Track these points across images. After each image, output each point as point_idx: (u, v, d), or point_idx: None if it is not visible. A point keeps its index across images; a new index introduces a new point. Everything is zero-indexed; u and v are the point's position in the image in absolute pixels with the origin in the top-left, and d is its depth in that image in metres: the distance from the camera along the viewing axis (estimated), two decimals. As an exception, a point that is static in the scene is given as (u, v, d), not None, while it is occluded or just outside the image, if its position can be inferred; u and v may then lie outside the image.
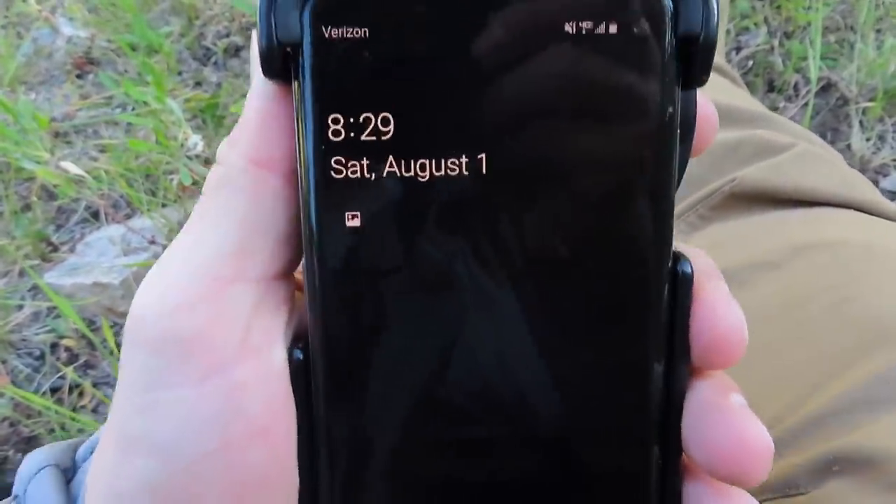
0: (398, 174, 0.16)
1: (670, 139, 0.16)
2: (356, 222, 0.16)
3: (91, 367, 0.76)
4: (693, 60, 0.16)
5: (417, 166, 0.16)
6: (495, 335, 0.17)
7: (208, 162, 0.84)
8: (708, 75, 0.16)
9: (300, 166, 0.16)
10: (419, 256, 0.16)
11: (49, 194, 0.90)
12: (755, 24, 1.00)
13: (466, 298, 0.17)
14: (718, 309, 0.17)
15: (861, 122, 0.89)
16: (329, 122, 0.16)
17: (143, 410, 0.16)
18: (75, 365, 0.75)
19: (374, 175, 0.16)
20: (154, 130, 0.78)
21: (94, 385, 0.74)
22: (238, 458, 0.16)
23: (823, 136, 0.90)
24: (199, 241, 0.17)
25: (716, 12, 0.16)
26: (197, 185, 0.83)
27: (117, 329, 0.77)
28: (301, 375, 0.17)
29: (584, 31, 0.16)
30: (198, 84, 1.01)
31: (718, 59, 0.55)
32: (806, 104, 0.90)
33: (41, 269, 0.82)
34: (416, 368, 0.17)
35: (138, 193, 0.84)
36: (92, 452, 0.20)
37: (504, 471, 0.18)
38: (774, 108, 0.92)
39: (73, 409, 0.72)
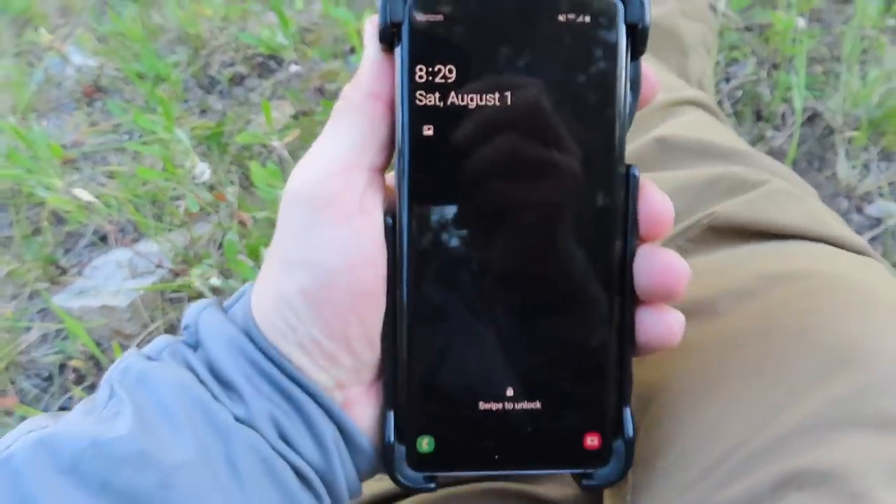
0: (457, 103, 0.26)
1: (623, 88, 0.27)
2: (430, 132, 0.26)
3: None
4: (636, 40, 0.27)
5: (468, 98, 0.26)
6: (514, 199, 0.27)
7: (213, 189, 0.86)
8: (645, 49, 0.27)
9: (398, 98, 0.26)
10: (470, 158, 0.27)
11: (59, 219, 0.92)
12: (744, 56, 1.03)
13: (498, 178, 0.27)
14: (656, 197, 0.27)
15: (846, 151, 0.92)
16: (416, 70, 0.26)
17: (300, 242, 0.27)
18: (83, 386, 0.77)
19: (442, 103, 0.26)
20: (162, 158, 0.81)
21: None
22: (357, 275, 0.27)
23: (810, 165, 0.93)
24: (333, 141, 0.28)
25: (648, 8, 0.26)
26: (203, 211, 0.86)
27: (123, 351, 0.79)
28: (390, 233, 0.27)
29: (570, 20, 0.26)
30: (203, 112, 1.04)
31: (704, 96, 0.57)
32: (792, 134, 0.93)
33: (50, 291, 0.85)
34: (466, 236, 0.27)
35: (145, 218, 0.86)
36: (236, 302, 0.29)
37: (519, 302, 0.28)
38: (762, 137, 0.95)
39: (80, 429, 0.74)
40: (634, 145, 0.49)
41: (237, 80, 1.09)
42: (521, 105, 0.26)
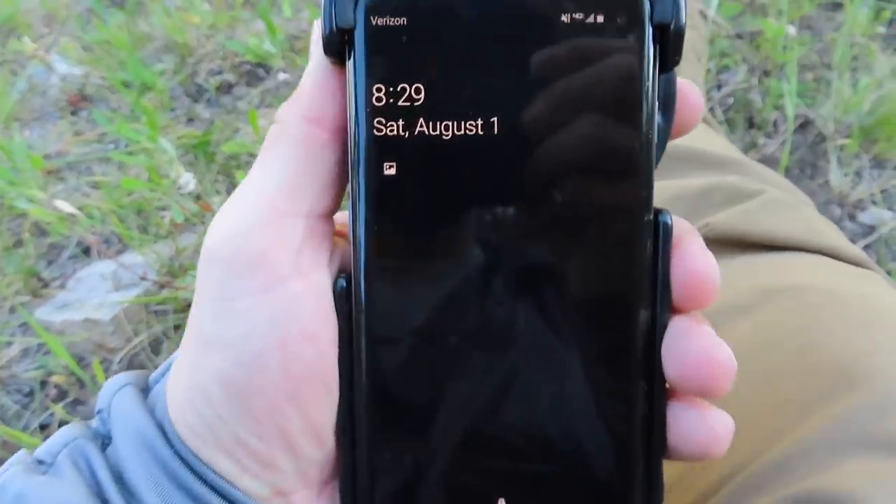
0: (427, 133, 0.20)
1: (649, 109, 0.20)
2: (392, 171, 0.20)
3: (80, 404, 0.76)
4: (667, 46, 0.20)
5: (442, 127, 0.20)
6: (503, 256, 0.21)
7: (199, 198, 0.85)
8: (680, 58, 0.20)
9: (350, 126, 0.20)
10: (445, 201, 0.20)
11: (41, 230, 0.91)
12: (735, 63, 1.03)
13: (482, 231, 0.20)
14: (696, 254, 0.20)
15: (839, 159, 0.92)
16: (373, 90, 0.20)
17: (218, 316, 0.20)
18: (63, 402, 0.75)
19: (407, 133, 0.20)
20: (147, 168, 0.80)
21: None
22: (294, 356, 0.20)
23: (802, 172, 0.93)
24: (261, 180, 0.21)
25: (684, 7, 0.20)
26: (188, 221, 0.84)
27: (107, 366, 0.77)
28: (343, 300, 0.21)
29: (578, 21, 0.20)
30: (190, 121, 1.03)
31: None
32: (784, 141, 0.92)
33: (31, 305, 0.83)
34: (443, 303, 0.21)
35: (130, 230, 0.85)
36: (163, 375, 0.24)
37: (514, 394, 0.21)
38: (754, 145, 0.94)
39: (62, 447, 0.72)
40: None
41: (225, 88, 1.07)
42: (511, 135, 0.20)
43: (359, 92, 0.20)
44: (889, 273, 0.83)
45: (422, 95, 0.20)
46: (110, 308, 0.79)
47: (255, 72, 1.08)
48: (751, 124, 0.97)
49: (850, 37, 1.02)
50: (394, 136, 0.20)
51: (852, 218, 0.88)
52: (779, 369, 0.31)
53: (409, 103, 0.20)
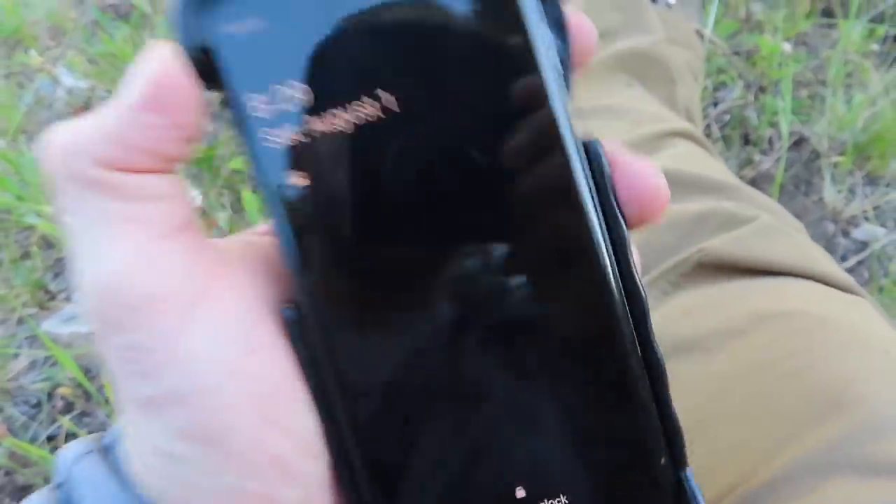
0: (326, 129, 0.18)
1: (540, 38, 0.18)
2: (304, 179, 0.18)
3: (87, 415, 0.77)
4: None
5: (342, 119, 0.18)
6: (445, 232, 0.19)
7: (205, 213, 0.86)
8: None
9: (243, 150, 0.19)
10: (361, 193, 0.18)
11: (48, 244, 0.92)
12: (731, 80, 1.04)
13: (417, 210, 0.19)
14: (635, 166, 0.19)
15: (832, 175, 0.93)
16: (250, 101, 0.18)
17: (147, 373, 0.18)
18: (70, 415, 0.76)
19: (306, 136, 0.18)
20: (153, 183, 0.81)
21: (90, 434, 0.75)
22: (252, 376, 0.18)
23: (797, 188, 0.94)
24: (101, 227, 0.18)
25: None
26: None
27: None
28: (295, 328, 0.19)
29: None
30: (195, 134, 1.04)
31: (693, 128, 0.58)
32: (779, 158, 0.94)
33: (39, 317, 0.84)
34: (405, 302, 0.19)
35: (136, 243, 0.86)
36: (119, 441, 0.21)
37: (500, 382, 0.19)
38: (750, 161, 0.96)
39: (68, 458, 0.73)
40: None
41: (228, 102, 1.09)
42: (412, 106, 0.18)
43: (239, 108, 0.18)
44: (881, 289, 0.85)
45: (308, 94, 0.18)
46: (117, 321, 0.80)
47: (259, 86, 1.10)
48: (746, 141, 0.99)
49: (845, 54, 1.03)
50: (293, 142, 0.18)
51: (846, 234, 0.90)
52: (770, 392, 0.32)
53: (287, 105, 0.18)
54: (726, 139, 0.99)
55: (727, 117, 1.00)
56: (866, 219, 0.90)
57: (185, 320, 0.18)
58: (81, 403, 0.77)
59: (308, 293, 0.19)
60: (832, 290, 0.39)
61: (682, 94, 0.70)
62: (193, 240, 0.19)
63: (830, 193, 0.91)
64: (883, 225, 0.90)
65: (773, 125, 0.98)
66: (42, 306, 0.85)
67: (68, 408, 0.77)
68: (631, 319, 0.19)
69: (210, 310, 0.18)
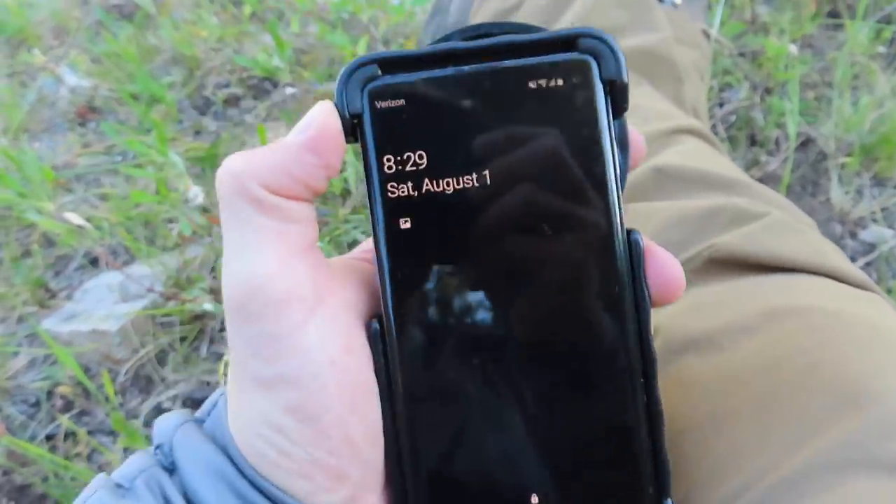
0: (432, 190, 0.24)
1: (610, 149, 0.24)
2: (408, 225, 0.24)
3: (86, 415, 0.76)
4: (616, 97, 0.25)
5: (444, 183, 0.24)
6: (507, 296, 0.25)
7: (207, 211, 0.86)
8: (627, 106, 0.25)
9: (370, 192, 0.24)
10: (456, 247, 0.24)
11: (49, 241, 0.91)
12: (737, 81, 1.04)
13: (488, 266, 0.24)
14: (664, 258, 0.25)
15: (840, 177, 0.93)
16: (384, 161, 0.24)
17: (269, 358, 0.23)
18: (70, 414, 0.76)
19: (417, 192, 0.24)
20: (155, 181, 0.80)
21: (89, 433, 0.74)
22: (341, 369, 0.23)
23: (804, 189, 0.93)
24: (253, 234, 0.24)
25: (623, 63, 0.24)
26: (196, 234, 0.85)
27: (113, 377, 0.78)
28: (377, 338, 0.25)
29: (541, 86, 0.24)
30: (197, 133, 1.04)
31: (701, 125, 0.57)
32: (786, 159, 0.93)
33: (39, 315, 0.83)
34: (464, 331, 0.25)
35: (137, 242, 0.86)
36: (209, 414, 0.26)
37: (531, 397, 0.25)
38: (756, 162, 0.95)
39: (67, 457, 0.72)
40: (632, 174, 0.49)
41: (232, 101, 1.08)
42: (501, 182, 0.24)
43: (371, 163, 0.24)
44: (890, 291, 0.84)
45: (424, 160, 0.24)
46: (117, 319, 0.79)
47: (263, 85, 1.09)
48: (753, 142, 0.98)
49: (851, 56, 1.03)
50: (405, 195, 0.24)
51: (853, 236, 0.89)
52: (785, 389, 0.31)
53: (414, 168, 0.24)
54: (732, 140, 0.98)
55: (733, 118, 1.00)
56: (874, 220, 0.89)
57: (306, 320, 0.23)
58: (81, 402, 0.76)
59: (389, 313, 0.24)
60: (845, 286, 0.38)
61: (690, 93, 0.70)
62: (317, 257, 0.25)
63: (838, 195, 0.90)
64: (891, 226, 0.89)
65: (780, 126, 0.97)
66: (42, 304, 0.85)
67: (67, 407, 0.77)
68: (643, 376, 0.25)
69: (323, 314, 0.24)
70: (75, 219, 0.74)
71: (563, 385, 0.25)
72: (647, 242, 0.25)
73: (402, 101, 0.24)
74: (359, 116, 0.24)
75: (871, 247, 0.88)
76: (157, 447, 0.26)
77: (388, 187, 0.24)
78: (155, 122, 0.78)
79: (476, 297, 0.24)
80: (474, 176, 0.24)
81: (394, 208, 0.24)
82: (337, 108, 0.24)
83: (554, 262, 0.24)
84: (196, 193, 0.75)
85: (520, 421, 0.25)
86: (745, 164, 0.96)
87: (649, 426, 0.25)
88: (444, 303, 0.24)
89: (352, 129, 0.24)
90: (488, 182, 0.24)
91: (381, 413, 0.24)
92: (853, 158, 0.92)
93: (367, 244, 0.29)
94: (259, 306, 0.23)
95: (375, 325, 0.25)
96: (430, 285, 0.24)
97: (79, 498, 0.25)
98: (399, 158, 0.24)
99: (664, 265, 0.25)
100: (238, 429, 0.24)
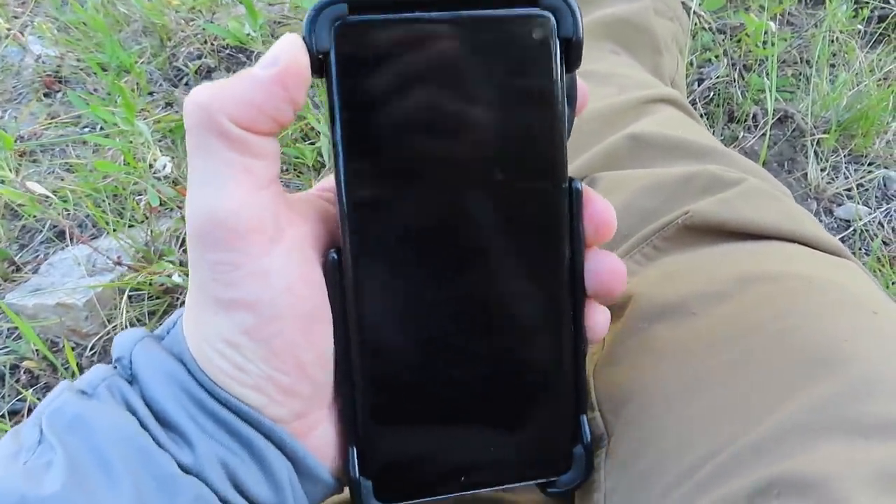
0: (392, 126, 0.25)
1: (561, 99, 0.26)
2: (367, 159, 0.25)
3: (51, 390, 0.75)
4: (570, 54, 0.26)
5: (403, 121, 0.25)
6: (457, 226, 0.26)
7: (176, 183, 0.84)
8: (580, 63, 0.26)
9: (331, 128, 0.25)
10: (411, 180, 0.25)
11: (13, 213, 0.89)
12: (716, 57, 1.03)
13: (440, 201, 0.26)
14: (599, 204, 0.27)
15: (816, 153, 0.93)
16: (347, 97, 0.24)
17: (228, 282, 0.24)
18: (35, 387, 0.74)
19: (377, 129, 0.25)
20: (123, 152, 0.78)
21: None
22: (300, 296, 0.25)
23: (781, 166, 0.93)
24: (223, 166, 0.24)
25: (580, 22, 0.26)
26: (165, 206, 0.83)
27: (80, 351, 0.76)
28: (334, 269, 0.26)
29: (504, 37, 0.25)
30: (168, 105, 1.01)
31: (678, 94, 0.56)
32: (764, 135, 0.93)
33: (3, 289, 0.81)
34: (413, 260, 0.26)
35: (105, 214, 0.83)
36: (168, 332, 0.27)
37: (473, 322, 0.27)
38: (734, 139, 0.95)
39: (33, 433, 0.71)
40: (607, 141, 0.48)
41: (204, 72, 1.06)
42: (459, 124, 0.25)
43: (335, 100, 0.24)
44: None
45: (386, 99, 0.25)
46: (84, 293, 0.77)
47: (236, 56, 1.07)
48: (731, 118, 0.98)
49: (830, 33, 1.03)
50: (366, 131, 0.25)
51: (828, 212, 0.89)
52: (758, 354, 0.31)
53: (376, 106, 0.25)
54: (710, 116, 0.97)
55: (711, 94, 0.99)
56: (849, 197, 0.90)
57: (266, 249, 0.24)
58: (46, 377, 0.74)
59: (346, 241, 0.25)
60: (819, 252, 0.38)
61: (668, 65, 0.69)
62: (278, 191, 0.25)
63: (814, 171, 0.91)
64: (866, 203, 0.89)
65: (758, 103, 0.97)
66: (6, 278, 0.82)
67: (33, 381, 0.75)
68: (573, 307, 0.28)
69: (283, 245, 0.25)
70: (39, 188, 0.72)
71: (504, 310, 0.27)
72: (585, 189, 0.27)
73: (368, 41, 0.24)
74: (325, 53, 0.24)
75: (846, 223, 0.88)
76: (117, 360, 0.26)
77: (351, 123, 0.25)
78: (121, 89, 0.76)
79: (428, 230, 0.26)
80: (433, 116, 0.25)
81: (355, 143, 0.25)
82: (305, 43, 0.24)
83: (502, 200, 0.26)
84: (164, 164, 0.73)
85: (461, 344, 0.27)
86: (722, 140, 0.95)
87: (573, 352, 0.28)
88: (399, 234, 0.26)
89: (318, 66, 0.25)
90: (447, 123, 0.25)
91: (334, 338, 0.26)
92: (830, 135, 0.92)
93: (327, 182, 0.29)
94: (222, 237, 0.24)
95: (333, 254, 0.26)
96: (387, 217, 0.25)
97: (44, 401, 0.25)
98: (362, 96, 0.25)
99: (599, 209, 0.27)
100: (196, 344, 0.25)
